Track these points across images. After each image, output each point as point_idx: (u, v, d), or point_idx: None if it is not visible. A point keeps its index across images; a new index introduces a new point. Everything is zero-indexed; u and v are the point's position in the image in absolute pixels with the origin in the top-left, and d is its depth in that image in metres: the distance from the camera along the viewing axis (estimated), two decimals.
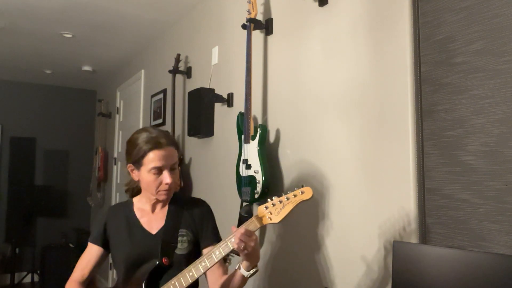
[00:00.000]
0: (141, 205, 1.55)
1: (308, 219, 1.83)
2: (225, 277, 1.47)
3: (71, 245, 5.12)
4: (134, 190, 1.60)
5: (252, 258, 1.33)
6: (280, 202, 1.31)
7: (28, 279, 5.20)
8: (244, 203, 2.12)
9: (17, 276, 5.17)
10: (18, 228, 5.19)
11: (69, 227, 5.47)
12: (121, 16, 3.30)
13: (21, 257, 5.29)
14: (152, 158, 1.40)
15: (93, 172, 5.34)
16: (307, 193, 1.30)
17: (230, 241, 1.30)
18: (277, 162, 2.05)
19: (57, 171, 5.66)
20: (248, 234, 1.28)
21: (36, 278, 5.18)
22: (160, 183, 1.43)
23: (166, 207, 1.55)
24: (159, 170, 1.42)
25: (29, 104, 5.56)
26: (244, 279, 1.38)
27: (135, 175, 1.48)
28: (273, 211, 1.31)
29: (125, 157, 1.51)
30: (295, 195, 1.31)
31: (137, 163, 1.44)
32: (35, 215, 5.35)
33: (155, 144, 1.41)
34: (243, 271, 1.35)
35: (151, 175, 1.42)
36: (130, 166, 1.48)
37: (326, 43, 1.81)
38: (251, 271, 1.35)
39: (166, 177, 1.42)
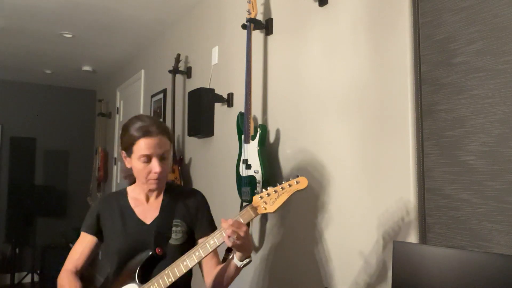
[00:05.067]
0: (135, 195, 1.55)
1: (308, 218, 1.83)
2: (219, 267, 1.47)
3: (71, 245, 5.08)
4: (132, 176, 1.58)
5: (244, 248, 1.33)
6: (275, 192, 1.32)
7: (28, 279, 5.20)
8: (244, 203, 2.12)
9: (17, 276, 5.17)
10: (18, 228, 5.18)
11: (69, 227, 5.46)
12: (121, 16, 3.30)
13: (21, 257, 5.29)
14: (142, 146, 1.41)
15: (93, 172, 5.34)
16: (302, 182, 1.31)
17: (225, 230, 1.30)
18: (277, 162, 2.05)
19: (57, 171, 5.66)
20: (237, 225, 1.28)
21: (36, 278, 5.18)
22: (149, 172, 1.43)
23: (161, 197, 1.54)
24: (148, 158, 1.42)
25: (29, 104, 5.56)
26: (238, 269, 1.39)
27: (127, 162, 1.49)
28: (268, 201, 1.32)
29: (119, 144, 1.52)
30: (290, 185, 1.31)
31: (128, 150, 1.45)
32: (35, 215, 5.35)
33: (145, 132, 1.41)
34: (236, 261, 1.36)
35: (140, 163, 1.42)
36: (123, 153, 1.49)
37: (326, 43, 1.81)
38: (245, 261, 1.36)
39: (155, 166, 1.42)
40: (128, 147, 1.44)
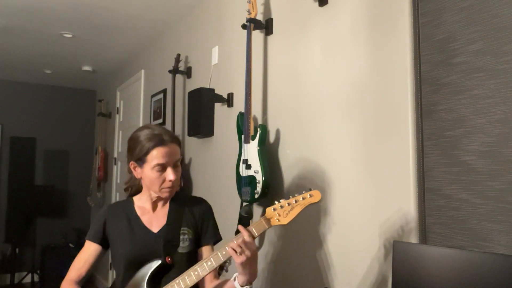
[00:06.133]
0: (141, 204, 1.54)
1: (309, 219, 1.83)
2: (216, 281, 1.47)
3: (71, 245, 5.12)
4: (133, 188, 1.60)
5: (248, 271, 1.30)
6: (289, 204, 1.32)
7: (28, 279, 5.20)
8: (244, 203, 2.12)
9: (17, 276, 5.17)
10: (18, 228, 5.18)
11: (69, 227, 5.47)
12: (121, 16, 3.30)
13: (21, 257, 5.29)
14: (156, 155, 1.40)
15: (93, 172, 5.34)
16: (316, 196, 1.31)
17: (237, 240, 1.29)
18: (277, 162, 2.05)
19: (57, 171, 5.66)
20: (248, 245, 1.27)
21: (36, 278, 5.18)
22: (164, 180, 1.43)
23: (167, 206, 1.54)
24: (162, 167, 1.41)
25: (29, 104, 5.56)
26: None
27: (137, 172, 1.47)
28: (281, 213, 1.32)
29: (126, 155, 1.50)
30: (303, 198, 1.31)
31: (140, 160, 1.43)
32: (35, 215, 5.35)
33: (158, 141, 1.40)
34: (236, 285, 1.33)
35: (154, 172, 1.41)
36: (133, 164, 1.47)
37: (326, 43, 1.81)
38: (245, 287, 1.32)
39: (170, 174, 1.42)
40: (140, 158, 1.42)
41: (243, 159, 2.06)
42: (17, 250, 5.09)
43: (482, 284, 1.03)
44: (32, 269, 5.19)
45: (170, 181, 1.43)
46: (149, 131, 1.43)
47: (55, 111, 5.72)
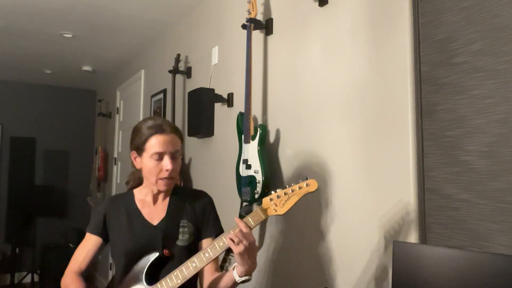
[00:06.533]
0: (142, 196, 1.54)
1: (309, 218, 1.83)
2: (216, 274, 1.46)
3: (71, 245, 5.12)
4: (134, 182, 1.60)
5: (246, 262, 1.29)
6: (285, 194, 1.30)
7: (28, 279, 5.20)
8: (244, 203, 2.12)
9: (17, 276, 5.18)
10: (18, 228, 5.19)
11: (69, 227, 5.47)
12: (121, 16, 3.30)
13: (21, 257, 5.29)
14: (154, 143, 1.40)
15: (93, 172, 5.34)
16: (312, 185, 1.29)
17: (234, 230, 1.29)
18: (277, 162, 2.05)
19: (57, 171, 5.66)
20: (246, 235, 1.26)
21: (36, 278, 5.18)
22: (161, 170, 1.42)
23: (168, 199, 1.54)
24: (160, 156, 1.41)
25: (29, 104, 5.56)
26: (235, 283, 1.35)
27: (137, 162, 1.47)
28: (278, 203, 1.30)
29: (129, 146, 1.51)
30: (300, 187, 1.30)
31: (140, 149, 1.44)
32: (35, 215, 5.35)
33: (157, 130, 1.41)
34: (235, 275, 1.32)
35: (152, 161, 1.41)
36: (133, 153, 1.48)
37: (326, 43, 1.81)
38: (243, 278, 1.32)
39: (167, 163, 1.41)
40: (140, 146, 1.43)
41: (243, 159, 2.06)
42: (17, 250, 5.10)
43: (482, 284, 1.03)
44: (32, 269, 5.19)
45: (166, 170, 1.41)
46: (151, 121, 1.45)
47: (55, 111, 5.72)
